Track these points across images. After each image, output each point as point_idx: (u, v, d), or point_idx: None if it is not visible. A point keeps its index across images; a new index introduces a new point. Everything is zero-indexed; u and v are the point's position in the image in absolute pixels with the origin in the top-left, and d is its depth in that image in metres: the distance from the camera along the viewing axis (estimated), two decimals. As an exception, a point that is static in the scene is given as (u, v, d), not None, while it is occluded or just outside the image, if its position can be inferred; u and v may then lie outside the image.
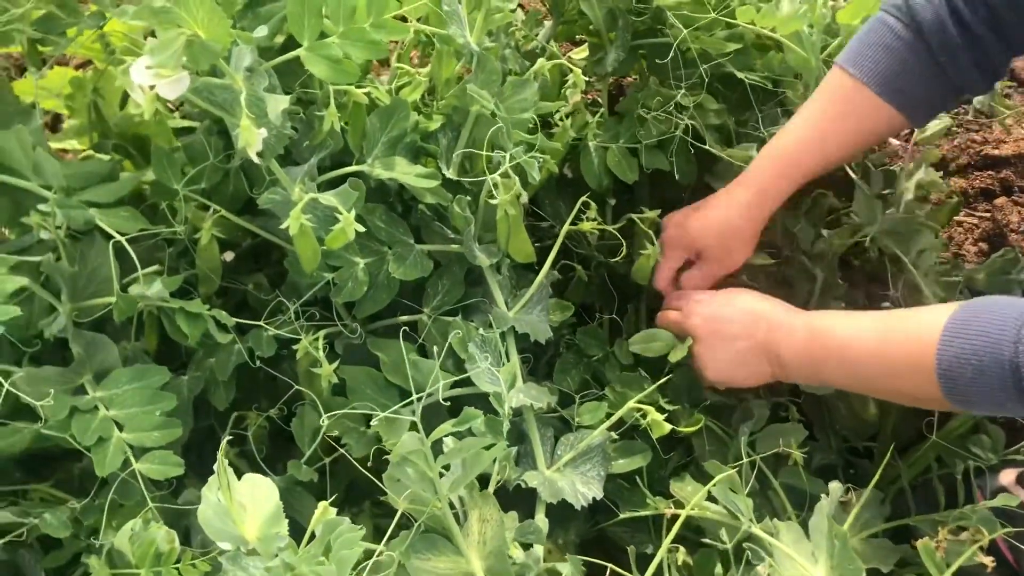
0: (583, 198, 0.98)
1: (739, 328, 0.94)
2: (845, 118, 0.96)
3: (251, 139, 0.67)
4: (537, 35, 1.17)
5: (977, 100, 1.08)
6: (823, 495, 0.88)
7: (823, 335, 0.88)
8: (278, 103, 0.68)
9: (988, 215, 1.34)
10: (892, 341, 0.82)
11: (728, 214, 1.01)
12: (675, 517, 0.81)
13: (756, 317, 0.94)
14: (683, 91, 1.02)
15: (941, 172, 1.39)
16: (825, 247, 1.03)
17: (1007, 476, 0.97)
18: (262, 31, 0.71)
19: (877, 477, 0.90)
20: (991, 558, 0.82)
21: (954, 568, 0.81)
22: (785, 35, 1.02)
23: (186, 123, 1.00)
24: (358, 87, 0.90)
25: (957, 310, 0.78)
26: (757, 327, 0.93)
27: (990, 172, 1.39)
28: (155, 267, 0.88)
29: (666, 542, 0.80)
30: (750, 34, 1.05)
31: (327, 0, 0.71)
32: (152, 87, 0.66)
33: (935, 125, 1.01)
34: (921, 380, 0.78)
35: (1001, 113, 1.10)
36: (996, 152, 1.39)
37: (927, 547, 0.83)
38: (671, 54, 0.99)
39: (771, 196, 1.00)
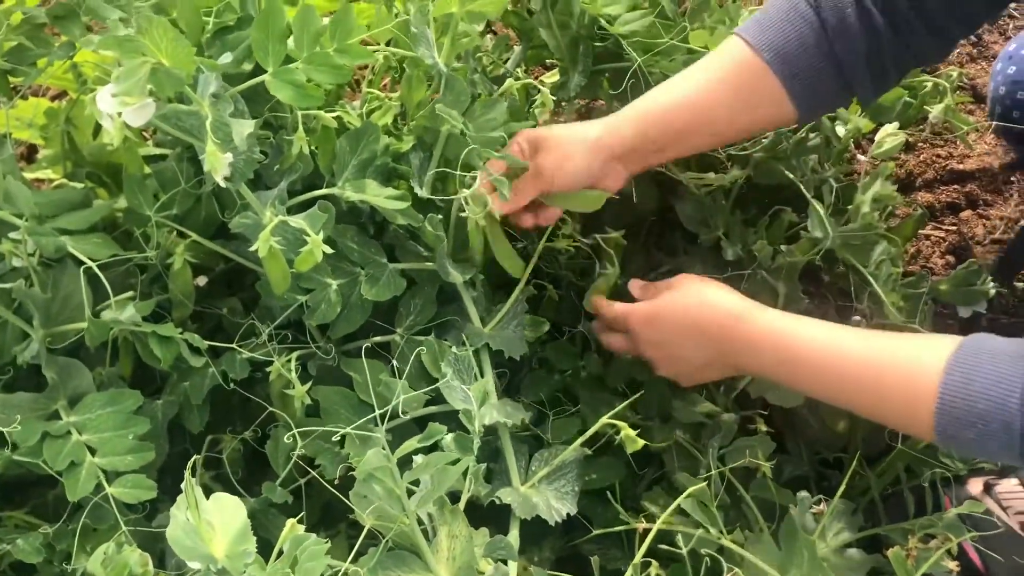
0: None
1: (691, 350, 0.92)
2: (739, 91, 0.90)
3: (217, 164, 0.68)
4: (506, 60, 1.19)
5: (933, 116, 1.10)
6: (793, 506, 0.89)
7: (796, 350, 0.84)
8: (243, 127, 0.69)
9: (954, 228, 1.36)
10: (883, 377, 0.78)
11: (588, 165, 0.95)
12: (647, 532, 0.82)
13: (704, 333, 0.91)
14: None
15: (904, 186, 1.42)
16: (785, 261, 1.04)
17: (975, 486, 0.98)
18: (227, 58, 0.73)
19: (844, 488, 0.91)
20: (956, 563, 0.83)
21: (921, 572, 0.82)
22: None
23: (159, 151, 1.01)
24: (328, 111, 0.92)
25: (952, 360, 0.73)
26: (709, 344, 0.90)
27: (956, 186, 1.41)
28: (128, 293, 0.88)
29: (637, 557, 0.81)
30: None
31: (292, 26, 0.73)
32: (119, 114, 0.67)
33: (892, 140, 1.03)
34: (913, 424, 0.77)
35: (958, 129, 1.12)
36: (961, 167, 1.42)
37: (898, 556, 0.84)
38: (628, 78, 1.01)
39: (638, 155, 0.95)
